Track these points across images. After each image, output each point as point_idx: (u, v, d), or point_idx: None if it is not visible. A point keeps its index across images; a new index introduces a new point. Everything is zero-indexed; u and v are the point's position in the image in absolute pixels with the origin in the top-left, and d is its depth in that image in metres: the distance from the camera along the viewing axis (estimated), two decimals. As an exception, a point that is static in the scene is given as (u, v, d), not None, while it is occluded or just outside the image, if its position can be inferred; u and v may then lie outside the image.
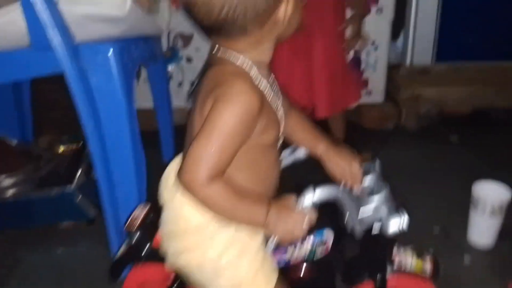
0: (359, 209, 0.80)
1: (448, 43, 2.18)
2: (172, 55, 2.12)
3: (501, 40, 2.19)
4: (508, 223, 1.29)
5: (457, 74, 2.25)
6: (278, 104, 0.77)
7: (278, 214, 0.73)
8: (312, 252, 0.81)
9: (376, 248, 0.85)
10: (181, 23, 2.04)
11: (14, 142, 1.60)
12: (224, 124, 0.67)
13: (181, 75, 2.18)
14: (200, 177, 0.68)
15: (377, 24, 2.11)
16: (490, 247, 1.31)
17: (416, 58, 2.23)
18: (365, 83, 2.24)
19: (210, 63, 0.75)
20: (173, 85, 2.13)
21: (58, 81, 1.06)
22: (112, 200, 1.13)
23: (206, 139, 0.68)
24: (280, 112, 0.78)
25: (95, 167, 1.09)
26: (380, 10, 2.10)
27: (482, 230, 1.31)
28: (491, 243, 1.31)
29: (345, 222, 0.82)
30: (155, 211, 0.95)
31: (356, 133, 2.00)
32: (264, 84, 0.74)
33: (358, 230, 0.80)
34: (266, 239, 0.79)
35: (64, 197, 1.36)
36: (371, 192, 0.82)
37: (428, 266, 0.91)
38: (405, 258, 0.91)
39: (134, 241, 0.91)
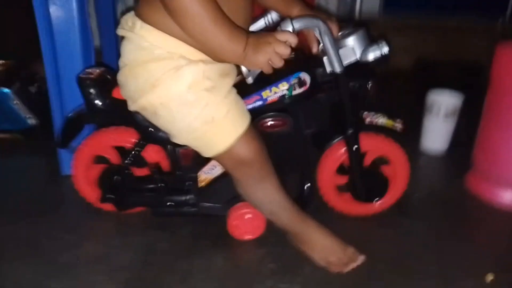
0: (338, 48, 0.77)
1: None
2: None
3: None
4: (459, 134, 1.31)
5: (401, 26, 2.35)
6: None
7: (257, 42, 0.68)
8: (290, 89, 0.77)
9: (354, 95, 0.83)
10: None
11: None
12: None
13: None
14: None
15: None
16: (443, 153, 1.33)
17: (364, 11, 2.29)
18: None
19: None
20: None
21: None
22: (58, 82, 1.03)
23: None
24: None
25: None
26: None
27: (436, 135, 1.32)
28: (444, 148, 1.33)
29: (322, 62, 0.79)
30: (109, 73, 0.86)
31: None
32: None
33: (337, 68, 0.77)
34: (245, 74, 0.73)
35: (1, 99, 1.21)
36: (348, 34, 0.80)
37: (398, 124, 0.91)
38: (377, 118, 0.90)
39: (89, 95, 0.81)
